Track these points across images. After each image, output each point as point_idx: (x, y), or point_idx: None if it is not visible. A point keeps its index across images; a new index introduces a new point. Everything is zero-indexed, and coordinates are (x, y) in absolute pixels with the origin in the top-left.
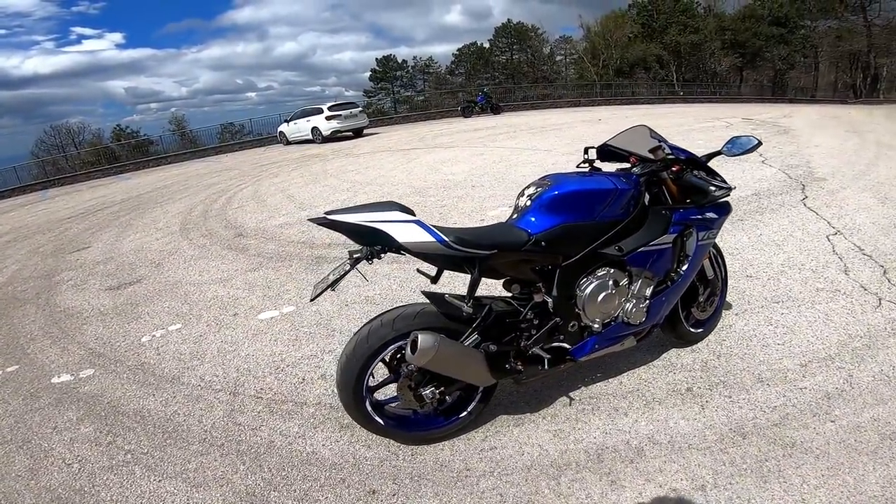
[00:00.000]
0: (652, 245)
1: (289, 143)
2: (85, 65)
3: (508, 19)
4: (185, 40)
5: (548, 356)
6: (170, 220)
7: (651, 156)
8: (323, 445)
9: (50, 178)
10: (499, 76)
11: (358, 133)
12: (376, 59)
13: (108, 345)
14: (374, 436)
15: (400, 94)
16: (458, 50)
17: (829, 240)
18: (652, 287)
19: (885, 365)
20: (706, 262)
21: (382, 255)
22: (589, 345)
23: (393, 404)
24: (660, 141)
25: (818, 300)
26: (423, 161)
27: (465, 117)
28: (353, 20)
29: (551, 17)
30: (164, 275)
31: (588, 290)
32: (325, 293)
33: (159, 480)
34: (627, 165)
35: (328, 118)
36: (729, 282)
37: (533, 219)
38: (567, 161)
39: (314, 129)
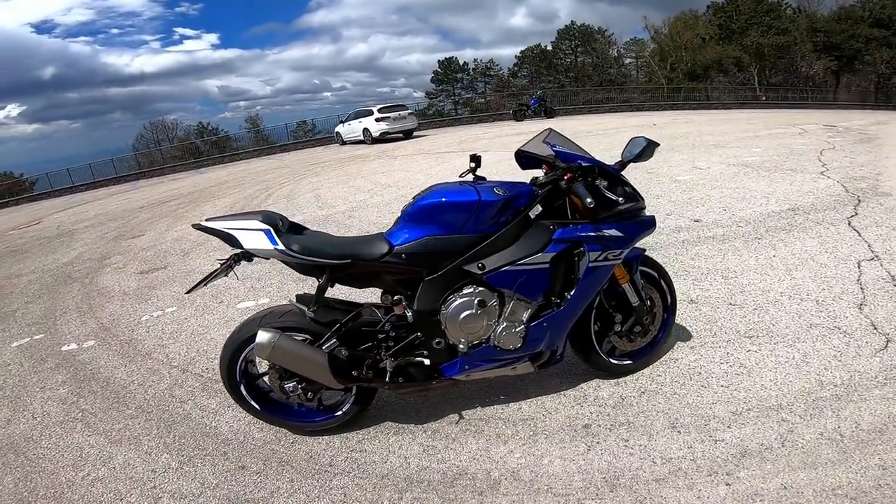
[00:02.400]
0: (520, 264)
1: (344, 143)
2: (185, 64)
3: (572, 21)
4: (268, 42)
5: (411, 369)
6: (214, 213)
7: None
8: (226, 423)
9: (142, 170)
10: (562, 79)
11: (407, 135)
12: (438, 61)
13: (116, 321)
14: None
15: (460, 96)
16: (521, 52)
17: (859, 266)
18: (530, 311)
19: (846, 422)
20: (629, 288)
21: (252, 259)
22: (458, 365)
23: (272, 394)
24: (553, 146)
25: (804, 338)
26: (451, 164)
27: (517, 121)
28: (419, 23)
29: (622, 20)
30: (187, 263)
31: (451, 309)
32: (198, 288)
33: (89, 435)
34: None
35: (378, 120)
36: (707, 309)
37: (399, 230)
38: None
39: (365, 131)
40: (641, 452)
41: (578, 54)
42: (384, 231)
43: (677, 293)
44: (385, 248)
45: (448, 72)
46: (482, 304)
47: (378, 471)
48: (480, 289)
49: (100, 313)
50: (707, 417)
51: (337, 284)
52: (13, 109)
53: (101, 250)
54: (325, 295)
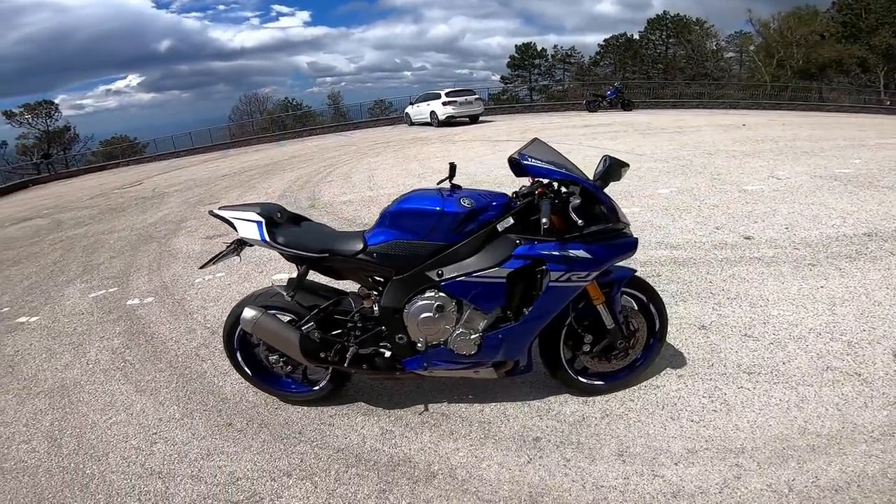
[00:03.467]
0: (475, 276)
1: (412, 124)
2: (280, 40)
3: (665, 11)
4: (354, 20)
5: (376, 359)
6: (279, 186)
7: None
8: (230, 384)
9: (233, 140)
10: (649, 70)
11: (473, 120)
12: (515, 45)
13: (175, 281)
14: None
15: (536, 82)
16: (605, 41)
17: None
18: (486, 321)
19: (804, 476)
20: (603, 309)
21: (252, 244)
22: (416, 361)
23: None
24: (524, 158)
25: (811, 381)
26: (505, 153)
27: (590, 112)
28: (501, 6)
29: (723, 13)
30: None
31: (412, 309)
32: (210, 265)
33: (123, 384)
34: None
35: (445, 103)
36: (716, 337)
37: (375, 230)
38: (648, 169)
39: (432, 113)
40: (576, 475)
41: (670, 45)
42: (366, 230)
43: (694, 315)
44: (360, 246)
45: (525, 57)
46: (440, 308)
47: (336, 444)
48: (441, 294)
49: (164, 273)
50: (659, 451)
51: None
52: (134, 79)
53: (181, 214)
54: (320, 281)
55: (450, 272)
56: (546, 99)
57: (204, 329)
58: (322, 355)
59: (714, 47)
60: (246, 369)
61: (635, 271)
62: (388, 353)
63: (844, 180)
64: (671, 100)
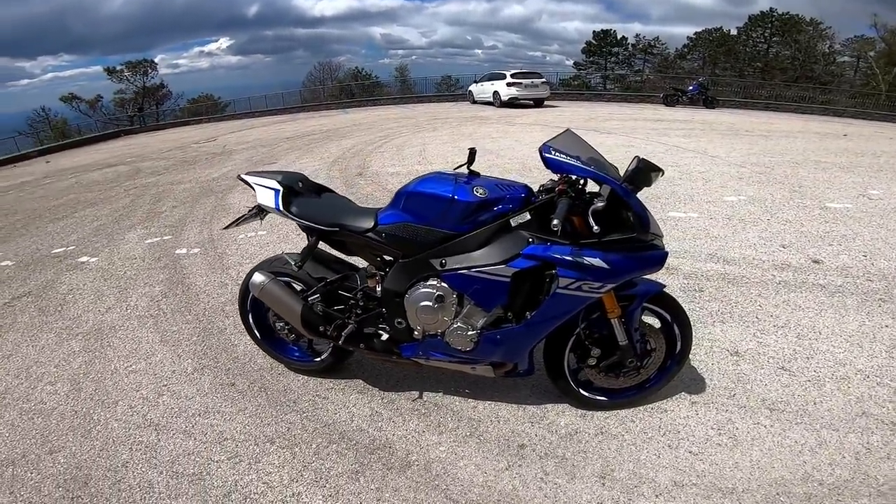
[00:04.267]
0: (477, 271)
1: (475, 102)
2: (356, 10)
3: (772, 8)
4: None
5: (374, 340)
6: (333, 152)
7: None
8: (243, 344)
9: (303, 104)
10: (744, 68)
11: (538, 103)
12: (593, 31)
13: (222, 235)
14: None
15: (612, 71)
16: (695, 34)
17: None
18: (485, 319)
19: None
20: (617, 324)
21: (268, 212)
22: (412, 348)
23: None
24: (547, 151)
25: (839, 425)
26: None
27: (668, 106)
28: None
29: (842, 14)
30: None
31: (413, 295)
32: (232, 227)
33: (151, 332)
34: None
35: (509, 84)
36: (748, 367)
37: (387, 210)
38: (718, 173)
39: (495, 94)
40: (550, 490)
41: (773, 44)
42: (381, 208)
43: (730, 339)
44: (371, 223)
45: (602, 44)
46: (440, 299)
47: (325, 418)
48: (443, 284)
49: (214, 226)
50: (643, 479)
51: None
52: (224, 42)
53: (241, 170)
54: (336, 254)
55: (453, 263)
56: (622, 89)
57: (235, 285)
58: (321, 329)
59: (826, 50)
60: (256, 332)
61: (664, 287)
62: (385, 336)
63: None
64: (765, 101)
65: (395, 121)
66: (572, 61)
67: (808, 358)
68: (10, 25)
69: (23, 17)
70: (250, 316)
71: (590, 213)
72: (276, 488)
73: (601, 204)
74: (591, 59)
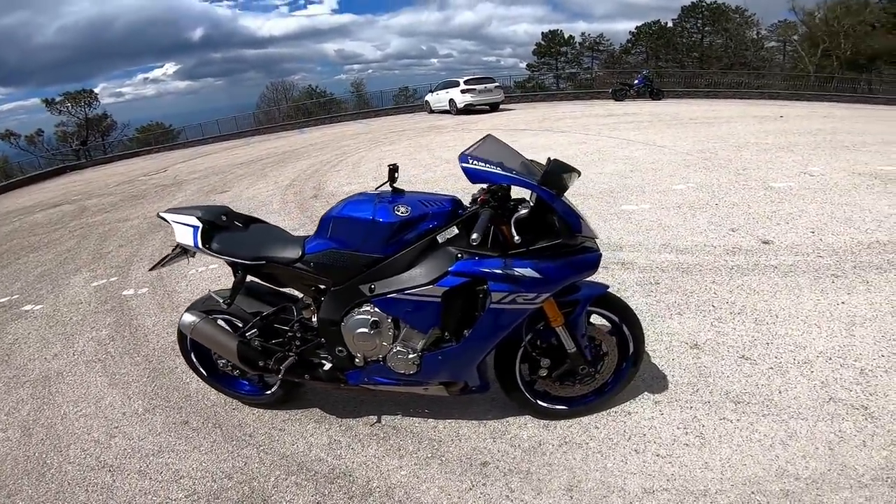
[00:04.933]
0: (408, 293)
1: (432, 111)
2: (307, 28)
3: None
4: (379, 7)
5: (319, 370)
6: (288, 175)
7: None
8: (196, 383)
9: (257, 127)
10: (683, 59)
11: (493, 108)
12: (542, 33)
13: (171, 271)
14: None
15: (563, 70)
16: (637, 28)
17: None
18: (424, 341)
19: None
20: (563, 332)
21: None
22: (357, 375)
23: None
24: (465, 160)
25: (807, 414)
26: (519, 142)
27: (617, 101)
28: None
29: (768, 1)
30: None
31: (348, 323)
32: (158, 268)
33: (99, 376)
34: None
35: (463, 91)
36: (708, 359)
37: (313, 238)
38: (667, 163)
39: (451, 101)
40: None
41: (706, 34)
42: (309, 236)
43: (689, 331)
44: (298, 253)
45: (551, 45)
46: (376, 325)
47: (283, 450)
48: (376, 309)
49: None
50: (612, 488)
51: None
52: (170, 67)
53: (192, 202)
54: (267, 286)
55: (382, 287)
56: (575, 87)
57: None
58: (261, 363)
59: (755, 36)
60: (201, 370)
61: (607, 287)
62: (328, 366)
63: (886, 179)
64: (705, 89)
65: (352, 137)
66: (525, 63)
67: (767, 344)
68: None
69: None
70: (192, 355)
71: (512, 221)
72: None
73: (524, 211)
74: (543, 59)
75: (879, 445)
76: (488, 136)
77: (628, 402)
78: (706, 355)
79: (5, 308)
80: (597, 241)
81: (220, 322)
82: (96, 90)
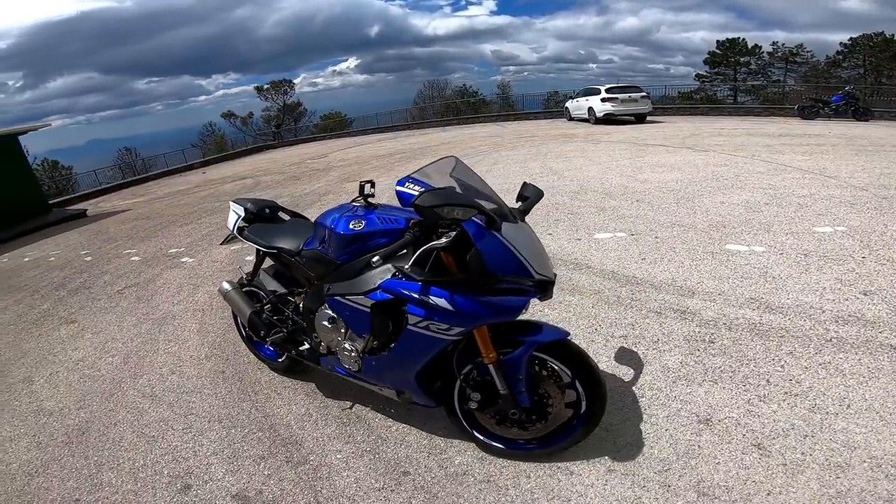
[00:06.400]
0: (347, 298)
1: (571, 118)
2: (467, 28)
3: None
4: (536, 10)
5: (302, 348)
6: (409, 170)
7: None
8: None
9: (409, 122)
10: None
11: (640, 119)
12: (717, 41)
13: None
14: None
15: (743, 83)
16: (850, 40)
17: None
18: (362, 344)
19: None
20: (494, 371)
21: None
22: (325, 360)
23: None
24: (402, 183)
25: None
26: (644, 160)
27: (804, 119)
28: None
29: None
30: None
31: (318, 314)
32: (224, 245)
33: (195, 323)
34: None
35: (603, 100)
36: (709, 438)
37: (311, 238)
38: (826, 197)
39: (589, 110)
40: None
41: None
42: None
43: (709, 404)
44: (298, 248)
45: (729, 54)
46: (332, 321)
47: (268, 410)
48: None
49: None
50: None
51: None
52: (353, 62)
53: (328, 188)
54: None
55: (334, 289)
56: (760, 101)
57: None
58: (262, 333)
59: None
60: (241, 330)
61: (566, 335)
62: (306, 347)
63: None
64: None
65: (481, 139)
66: (696, 72)
67: (805, 437)
68: (191, 46)
69: (201, 38)
70: (237, 318)
71: (419, 250)
72: (198, 456)
73: (443, 241)
74: (716, 70)
75: None
76: (448, 157)
77: (579, 460)
78: (710, 434)
79: (172, 258)
80: (539, 284)
81: (247, 294)
82: (297, 80)
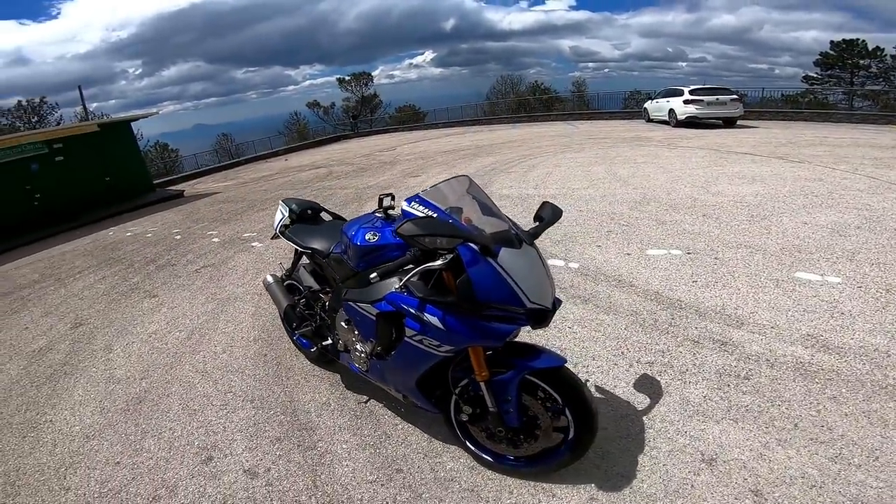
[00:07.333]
0: (357, 305)
1: (650, 120)
2: (544, 23)
3: None
4: (618, 6)
5: (326, 343)
6: (467, 169)
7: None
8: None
9: (479, 117)
10: None
11: (729, 123)
12: (831, 42)
13: None
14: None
15: (861, 87)
16: None
17: None
18: (369, 348)
19: None
20: (485, 388)
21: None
22: (343, 356)
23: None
24: (409, 202)
25: None
26: (724, 169)
27: None
28: None
29: None
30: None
31: (339, 314)
32: (274, 239)
33: (252, 306)
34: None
35: (686, 102)
36: (706, 479)
37: (338, 241)
38: None
39: (670, 111)
40: None
41: None
42: None
43: (721, 442)
44: (329, 250)
45: (845, 56)
46: (348, 322)
47: (295, 396)
48: None
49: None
50: None
51: None
52: (428, 55)
53: (390, 182)
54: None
55: (349, 294)
56: (880, 108)
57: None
58: (294, 325)
59: None
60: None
61: (562, 362)
62: (329, 342)
63: None
64: None
65: (549, 139)
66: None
67: (812, 486)
68: (282, 37)
69: (290, 29)
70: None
71: (415, 270)
72: (226, 431)
73: (438, 262)
74: (829, 72)
75: None
76: (461, 176)
77: (565, 484)
78: (709, 475)
79: (245, 241)
80: (531, 313)
81: (287, 287)
82: (375, 73)
